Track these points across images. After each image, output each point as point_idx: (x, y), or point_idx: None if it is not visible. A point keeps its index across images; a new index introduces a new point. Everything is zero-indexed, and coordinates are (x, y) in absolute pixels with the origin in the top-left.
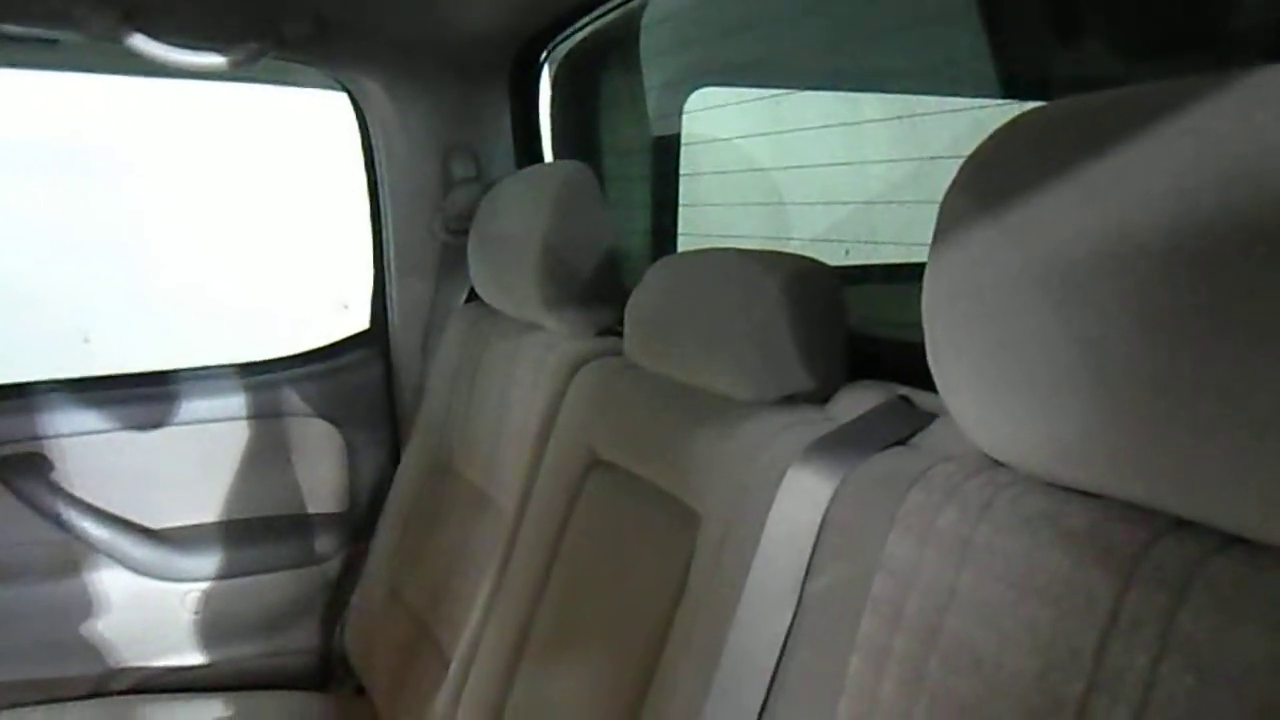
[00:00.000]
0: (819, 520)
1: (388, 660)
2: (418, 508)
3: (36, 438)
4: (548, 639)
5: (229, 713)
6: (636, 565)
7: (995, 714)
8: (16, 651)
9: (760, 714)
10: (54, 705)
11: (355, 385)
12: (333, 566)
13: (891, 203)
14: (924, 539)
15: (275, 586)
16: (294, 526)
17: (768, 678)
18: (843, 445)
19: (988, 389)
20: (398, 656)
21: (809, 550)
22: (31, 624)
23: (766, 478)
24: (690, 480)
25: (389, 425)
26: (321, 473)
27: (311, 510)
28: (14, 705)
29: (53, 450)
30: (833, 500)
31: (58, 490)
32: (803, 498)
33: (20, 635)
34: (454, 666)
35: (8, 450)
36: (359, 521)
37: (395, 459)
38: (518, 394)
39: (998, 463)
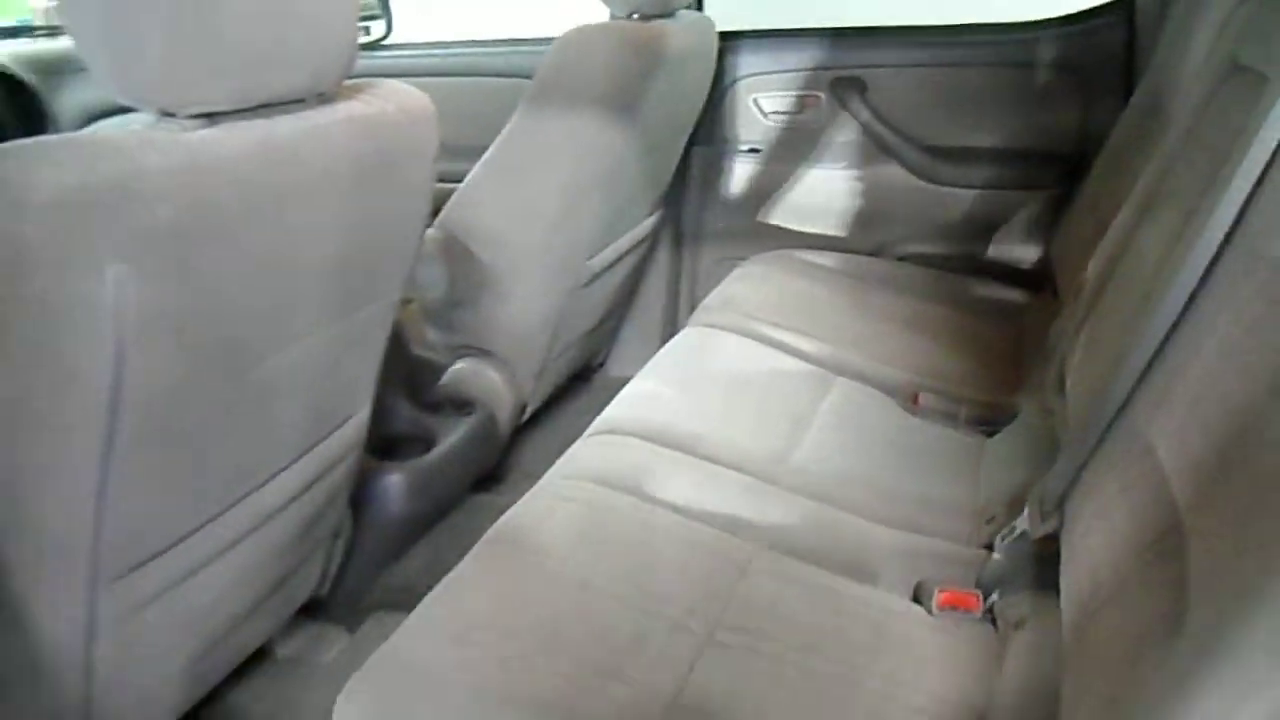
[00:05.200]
0: None
1: (1076, 268)
2: (1125, 144)
3: (857, 66)
4: (1151, 195)
5: (954, 288)
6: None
7: None
8: (832, 219)
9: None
10: (839, 255)
11: (1100, 45)
12: (1053, 194)
13: None
14: None
15: (1007, 202)
16: (1029, 157)
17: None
18: None
19: None
20: (1081, 264)
21: None
22: (837, 202)
23: None
24: None
25: (1123, 82)
26: (1058, 117)
27: (1044, 146)
28: (803, 247)
29: (867, 76)
30: None
31: (870, 106)
32: None
33: (837, 208)
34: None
35: (838, 73)
36: (1082, 159)
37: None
38: None
39: None
